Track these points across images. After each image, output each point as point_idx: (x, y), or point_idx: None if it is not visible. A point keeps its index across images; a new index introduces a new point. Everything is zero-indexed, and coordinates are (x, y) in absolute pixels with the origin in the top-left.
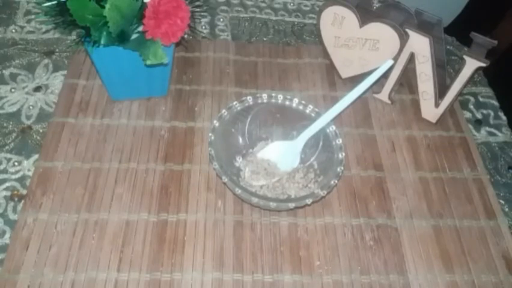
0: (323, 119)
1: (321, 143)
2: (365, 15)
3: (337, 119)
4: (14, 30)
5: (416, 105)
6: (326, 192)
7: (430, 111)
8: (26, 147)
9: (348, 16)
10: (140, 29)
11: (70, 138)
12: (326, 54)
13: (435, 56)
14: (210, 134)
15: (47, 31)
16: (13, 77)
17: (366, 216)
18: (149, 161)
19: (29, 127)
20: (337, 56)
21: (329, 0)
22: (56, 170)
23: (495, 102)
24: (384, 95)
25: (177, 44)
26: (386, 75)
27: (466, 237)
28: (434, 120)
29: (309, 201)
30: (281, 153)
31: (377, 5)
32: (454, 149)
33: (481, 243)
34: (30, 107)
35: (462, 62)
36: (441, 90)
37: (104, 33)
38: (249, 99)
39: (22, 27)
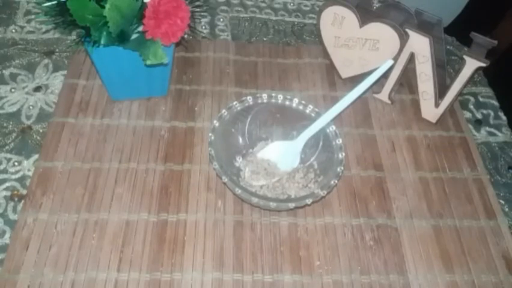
0: (323, 119)
1: (321, 143)
2: (365, 15)
3: (337, 119)
4: (14, 30)
5: (416, 105)
6: (326, 192)
7: (430, 111)
8: (26, 147)
9: (348, 16)
10: (140, 29)
11: (70, 138)
12: (326, 54)
13: (435, 56)
14: (210, 134)
15: (47, 31)
16: (13, 77)
17: (366, 216)
18: (149, 161)
19: (29, 127)
20: (337, 56)
21: (329, 0)
22: (56, 170)
23: (495, 102)
24: (384, 95)
25: (177, 44)
26: (386, 75)
27: (466, 237)
28: (434, 120)
29: (309, 201)
30: (281, 153)
31: (377, 5)
32: (454, 149)
33: (481, 243)
34: (30, 107)
35: (462, 62)
36: (441, 90)
37: (104, 33)
38: (249, 99)
39: (22, 27)
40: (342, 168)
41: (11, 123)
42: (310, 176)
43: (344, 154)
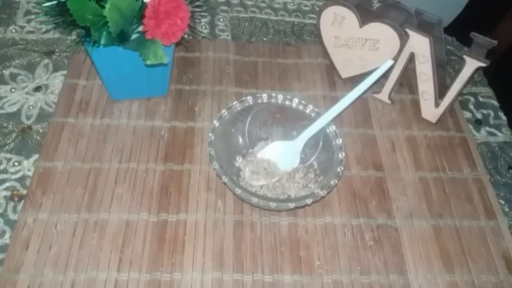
0: (323, 119)
1: (321, 143)
2: (365, 15)
3: (337, 119)
4: (14, 30)
5: (416, 105)
6: (326, 192)
7: (430, 111)
8: (26, 147)
9: (348, 16)
10: (140, 29)
11: (70, 138)
12: (326, 54)
13: (435, 56)
14: (210, 134)
15: (47, 31)
16: (13, 77)
17: (366, 216)
18: (149, 161)
19: (29, 127)
20: (337, 56)
21: (329, 0)
22: (56, 170)
23: (495, 102)
24: (384, 95)
25: (177, 44)
26: (386, 75)
27: (466, 237)
28: (434, 120)
29: (309, 201)
30: (281, 153)
31: (377, 5)
32: (454, 149)
33: (481, 243)
34: (30, 107)
35: (462, 62)
36: (441, 90)
37: (104, 33)
38: (249, 99)
39: (22, 27)
40: (342, 168)
41: (11, 123)
42: (310, 176)
43: (344, 154)
